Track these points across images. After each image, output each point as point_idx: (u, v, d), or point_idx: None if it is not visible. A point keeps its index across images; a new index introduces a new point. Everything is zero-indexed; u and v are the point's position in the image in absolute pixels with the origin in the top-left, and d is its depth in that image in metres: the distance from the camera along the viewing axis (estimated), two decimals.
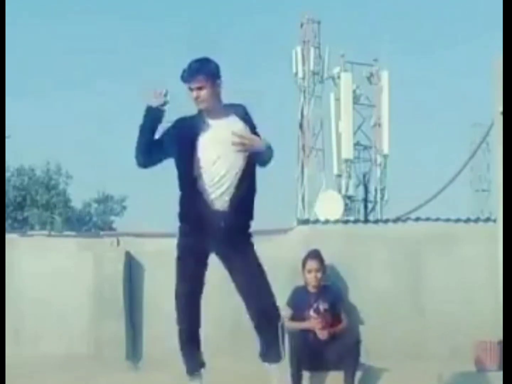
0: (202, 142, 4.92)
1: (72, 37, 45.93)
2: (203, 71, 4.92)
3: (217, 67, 4.98)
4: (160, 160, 5.05)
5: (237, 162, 4.92)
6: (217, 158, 4.90)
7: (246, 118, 5.04)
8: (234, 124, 4.95)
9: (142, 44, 47.48)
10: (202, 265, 5.05)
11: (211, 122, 4.96)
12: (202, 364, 5.19)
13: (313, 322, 6.72)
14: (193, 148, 4.90)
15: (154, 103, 4.96)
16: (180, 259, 5.03)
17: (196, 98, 4.93)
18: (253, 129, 5.03)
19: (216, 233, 4.92)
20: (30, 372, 6.96)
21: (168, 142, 4.96)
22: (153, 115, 4.99)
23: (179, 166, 4.99)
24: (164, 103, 4.98)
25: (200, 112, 5.01)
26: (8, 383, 5.68)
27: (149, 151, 4.99)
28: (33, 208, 26.11)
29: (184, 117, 5.06)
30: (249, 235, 5.11)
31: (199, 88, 4.90)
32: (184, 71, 4.95)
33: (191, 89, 4.92)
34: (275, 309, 5.11)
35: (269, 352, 5.11)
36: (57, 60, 44.20)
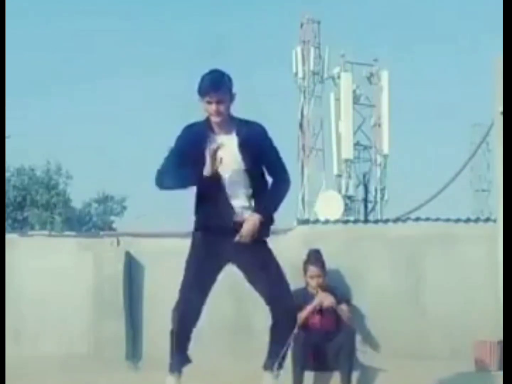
0: (203, 154, 4.93)
1: (74, 36, 45.97)
2: (225, 84, 4.93)
3: (230, 80, 4.99)
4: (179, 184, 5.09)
5: (240, 175, 4.97)
6: (227, 172, 4.95)
7: (258, 138, 5.01)
8: (231, 142, 4.95)
9: (142, 44, 47.49)
10: (216, 274, 5.08)
11: (215, 136, 4.96)
12: (186, 361, 5.18)
13: (322, 296, 6.74)
14: (200, 159, 4.91)
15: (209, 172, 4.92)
16: (195, 264, 5.04)
17: (216, 112, 4.91)
18: (267, 147, 5.06)
19: (235, 241, 4.96)
20: (30, 372, 6.96)
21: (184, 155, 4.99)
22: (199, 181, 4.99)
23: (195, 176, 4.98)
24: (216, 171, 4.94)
25: (206, 121, 5.02)
26: (8, 383, 5.68)
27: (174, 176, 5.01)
28: (33, 208, 26.10)
29: (191, 124, 5.06)
30: (265, 241, 5.14)
31: (219, 102, 4.90)
32: (202, 83, 4.92)
33: (209, 102, 4.91)
34: (294, 314, 5.20)
35: (270, 360, 5.13)
36: (57, 59, 44.23)
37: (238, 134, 4.97)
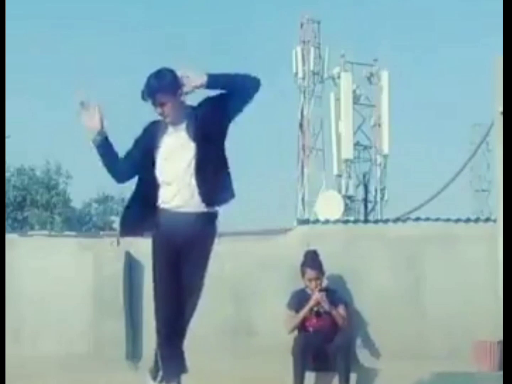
0: (163, 149, 4.90)
1: (74, 36, 45.94)
2: (162, 87, 4.82)
3: (174, 78, 4.84)
4: (136, 172, 5.01)
5: (192, 164, 4.86)
6: (173, 170, 4.88)
7: (211, 113, 4.86)
8: (179, 135, 4.89)
9: (142, 44, 47.47)
10: (174, 266, 4.93)
11: (171, 129, 4.92)
12: (183, 370, 5.03)
13: (316, 296, 6.75)
14: (154, 156, 4.89)
15: (93, 139, 4.92)
16: (158, 262, 4.95)
17: (161, 115, 4.86)
18: (217, 130, 4.90)
19: (183, 233, 4.88)
20: (30, 372, 6.96)
21: (136, 151, 4.95)
22: (99, 145, 4.96)
23: (141, 172, 4.96)
24: (101, 129, 4.93)
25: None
26: (8, 383, 5.68)
27: (119, 169, 4.99)
28: (33, 208, 26.12)
29: (155, 121, 4.99)
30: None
31: (162, 104, 4.84)
32: (143, 89, 4.86)
33: (154, 105, 4.85)
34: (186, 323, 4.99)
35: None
36: (58, 59, 44.21)
37: (189, 123, 4.87)
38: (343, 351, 6.50)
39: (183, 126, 4.91)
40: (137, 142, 4.99)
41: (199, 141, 4.86)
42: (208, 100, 4.91)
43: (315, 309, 6.78)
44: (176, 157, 4.89)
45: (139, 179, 5.01)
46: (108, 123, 5.04)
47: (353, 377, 6.58)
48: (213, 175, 4.89)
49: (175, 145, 4.91)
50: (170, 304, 4.90)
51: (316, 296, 6.78)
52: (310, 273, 6.89)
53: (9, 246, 7.29)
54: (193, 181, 4.86)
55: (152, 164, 4.91)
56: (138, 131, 5.06)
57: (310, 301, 6.79)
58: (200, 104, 4.96)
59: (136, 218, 5.03)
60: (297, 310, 6.86)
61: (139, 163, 4.95)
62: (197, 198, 4.87)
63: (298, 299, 6.90)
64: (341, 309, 6.85)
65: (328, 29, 25.17)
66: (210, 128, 4.86)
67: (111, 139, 4.99)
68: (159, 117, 4.91)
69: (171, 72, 4.86)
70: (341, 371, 6.46)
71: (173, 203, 4.90)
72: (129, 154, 4.99)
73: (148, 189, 4.95)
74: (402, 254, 7.44)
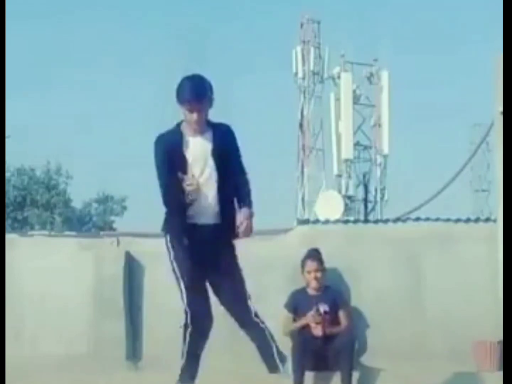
0: (184, 159, 4.94)
1: (74, 37, 45.95)
2: (206, 93, 4.89)
3: (211, 86, 4.95)
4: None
5: (213, 178, 4.97)
6: (198, 173, 4.93)
7: (229, 138, 5.04)
8: (207, 143, 4.96)
9: (143, 44, 47.49)
10: (203, 274, 5.08)
11: (189, 138, 4.95)
12: (194, 377, 5.20)
13: (309, 318, 6.72)
14: (177, 166, 4.91)
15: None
16: (181, 270, 5.06)
17: (197, 122, 4.88)
18: (235, 150, 5.07)
19: (203, 245, 4.97)
20: (30, 372, 6.95)
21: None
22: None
23: (165, 184, 4.99)
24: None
25: (178, 126, 5.01)
26: (8, 383, 5.68)
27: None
28: (33, 208, 26.13)
29: (162, 134, 5.03)
30: (233, 247, 5.17)
31: (200, 111, 4.87)
32: (183, 91, 4.87)
33: (190, 111, 4.85)
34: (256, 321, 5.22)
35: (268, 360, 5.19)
36: (58, 59, 44.22)
37: (214, 134, 4.95)
38: (347, 351, 6.48)
39: (207, 137, 4.95)
40: (161, 165, 4.98)
41: (221, 157, 4.95)
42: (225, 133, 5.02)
43: (314, 308, 6.76)
44: (197, 167, 4.94)
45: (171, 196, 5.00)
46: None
47: (353, 376, 6.58)
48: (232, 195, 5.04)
49: (197, 156, 4.94)
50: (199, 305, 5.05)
51: (308, 318, 6.75)
52: (310, 264, 6.89)
53: (9, 246, 7.28)
54: (214, 195, 4.96)
55: (176, 171, 4.90)
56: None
57: (300, 321, 6.79)
58: (220, 127, 5.03)
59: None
60: (294, 311, 6.86)
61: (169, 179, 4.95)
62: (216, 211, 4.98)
63: (296, 300, 6.90)
64: (341, 315, 6.85)
65: (328, 29, 25.21)
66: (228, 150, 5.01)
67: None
68: (187, 121, 4.92)
69: (208, 81, 4.93)
70: (344, 371, 6.44)
71: (197, 217, 4.97)
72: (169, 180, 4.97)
73: (175, 196, 4.95)
74: (402, 254, 7.44)
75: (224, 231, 5.01)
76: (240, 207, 5.02)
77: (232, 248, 5.16)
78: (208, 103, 4.92)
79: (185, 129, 4.99)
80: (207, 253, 5.00)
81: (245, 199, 5.03)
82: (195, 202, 4.91)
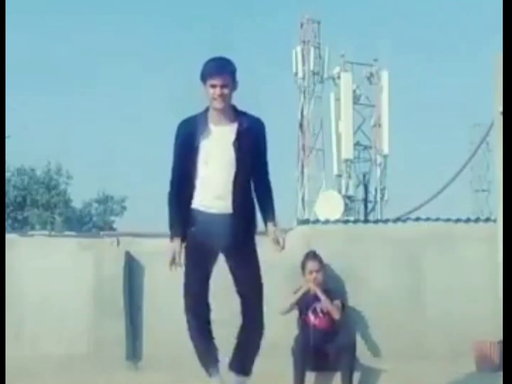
0: (204, 148, 4.89)
1: (75, 37, 45.97)
2: (230, 69, 4.86)
3: (235, 69, 4.93)
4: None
5: (232, 169, 4.91)
6: (217, 165, 4.90)
7: (256, 131, 4.97)
8: (230, 134, 4.89)
9: (143, 44, 47.48)
10: (210, 265, 5.10)
11: (212, 127, 4.91)
12: (217, 360, 5.21)
13: (309, 284, 6.79)
14: (195, 154, 4.88)
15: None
16: (189, 260, 5.05)
17: (220, 96, 4.81)
18: (260, 145, 5.01)
19: (220, 234, 4.95)
20: (30, 372, 6.95)
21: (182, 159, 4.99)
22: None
23: (179, 168, 4.97)
24: None
25: (205, 112, 4.96)
26: (8, 383, 5.68)
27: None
28: (33, 208, 26.11)
29: (187, 119, 4.99)
30: (252, 238, 5.15)
31: (224, 86, 4.81)
32: (206, 67, 4.84)
33: (213, 86, 4.81)
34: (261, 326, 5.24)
35: (238, 363, 5.20)
36: (59, 60, 44.21)
37: (239, 125, 4.89)
38: (348, 351, 6.49)
39: (231, 127, 4.89)
40: (177, 150, 4.97)
41: (242, 151, 4.89)
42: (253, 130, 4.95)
43: (312, 307, 6.77)
44: (217, 159, 4.90)
45: (177, 180, 5.00)
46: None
47: (353, 376, 6.58)
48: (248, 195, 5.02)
49: (217, 146, 4.89)
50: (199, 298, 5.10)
51: (309, 285, 6.80)
52: (311, 264, 6.90)
53: (9, 246, 7.28)
54: (231, 187, 4.90)
55: (190, 164, 4.90)
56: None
57: (304, 287, 6.84)
58: (248, 118, 4.97)
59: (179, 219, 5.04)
60: (297, 303, 6.87)
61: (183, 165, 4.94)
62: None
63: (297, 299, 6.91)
64: (336, 303, 6.85)
65: (328, 29, 25.24)
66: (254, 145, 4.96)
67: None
68: (212, 101, 4.85)
69: (233, 62, 4.92)
70: (344, 370, 6.44)
71: (211, 205, 4.94)
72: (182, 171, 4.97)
73: (184, 189, 4.95)
74: (402, 254, 7.44)
75: (236, 223, 4.98)
76: (265, 219, 5.05)
77: (245, 241, 5.10)
78: (231, 81, 4.86)
79: (211, 116, 4.92)
80: (213, 241, 4.97)
81: (270, 215, 5.07)
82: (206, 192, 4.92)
